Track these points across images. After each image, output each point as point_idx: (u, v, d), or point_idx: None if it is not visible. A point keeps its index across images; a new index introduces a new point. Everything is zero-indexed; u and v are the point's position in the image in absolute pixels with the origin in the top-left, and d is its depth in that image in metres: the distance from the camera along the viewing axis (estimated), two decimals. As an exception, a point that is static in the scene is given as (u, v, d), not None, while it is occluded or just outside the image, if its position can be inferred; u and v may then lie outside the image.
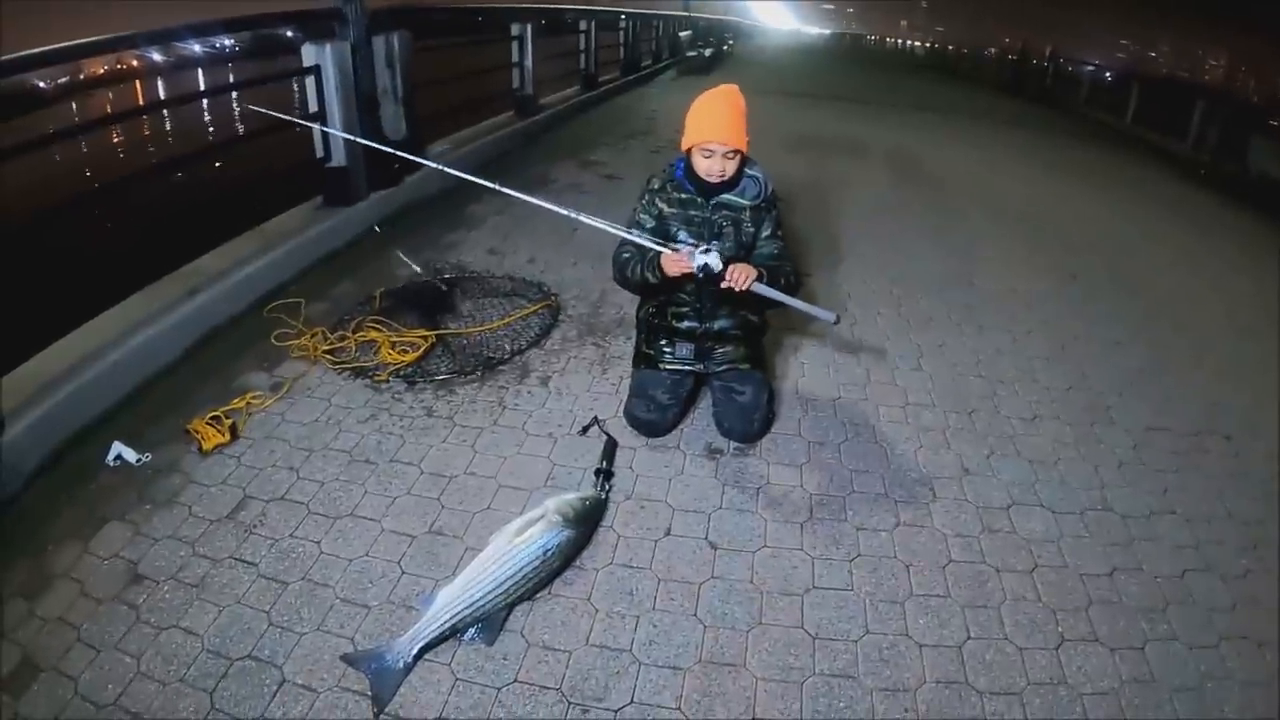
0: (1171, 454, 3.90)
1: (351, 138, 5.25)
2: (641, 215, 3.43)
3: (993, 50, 38.96)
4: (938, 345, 4.78)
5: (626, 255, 3.38)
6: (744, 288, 3.04)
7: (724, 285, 3.07)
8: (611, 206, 3.73)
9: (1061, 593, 2.94)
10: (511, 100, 10.30)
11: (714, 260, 3.04)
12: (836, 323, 3.24)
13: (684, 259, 3.07)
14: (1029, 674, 2.60)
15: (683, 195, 3.39)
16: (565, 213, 3.36)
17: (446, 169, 3.99)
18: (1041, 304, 5.61)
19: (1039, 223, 7.93)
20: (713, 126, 3.25)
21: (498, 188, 3.62)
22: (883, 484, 3.46)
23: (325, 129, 5.69)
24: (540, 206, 3.49)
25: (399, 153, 4.27)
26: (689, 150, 3.35)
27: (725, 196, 3.37)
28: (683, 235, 3.35)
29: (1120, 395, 4.40)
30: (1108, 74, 25.35)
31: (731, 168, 3.30)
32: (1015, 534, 3.23)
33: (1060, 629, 2.78)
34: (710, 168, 3.28)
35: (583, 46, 13.45)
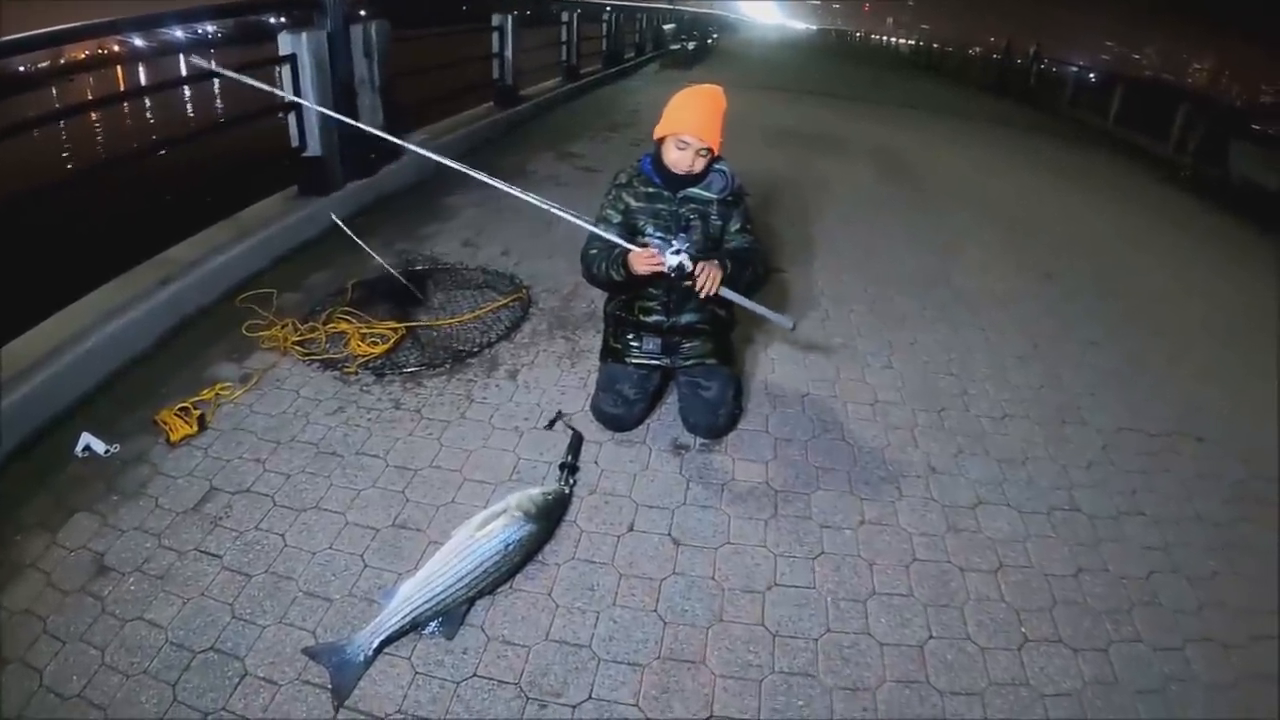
0: (1142, 455, 3.91)
1: (350, 121, 5.21)
2: (608, 210, 3.42)
3: (977, 49, 39.06)
4: (910, 343, 4.79)
5: (594, 252, 3.37)
6: (713, 291, 3.09)
7: (697, 290, 3.11)
8: (588, 199, 3.73)
9: (1026, 593, 2.95)
10: (492, 91, 10.28)
11: (687, 261, 3.08)
12: (793, 329, 3.29)
13: (654, 255, 3.08)
14: (990, 674, 2.60)
15: (649, 189, 3.39)
16: (541, 203, 3.37)
17: (429, 153, 3.93)
18: (1018, 303, 5.63)
19: (1020, 222, 7.97)
20: (692, 120, 3.26)
21: (480, 175, 3.58)
22: (848, 482, 3.46)
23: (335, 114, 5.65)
24: (517, 197, 3.48)
25: (384, 135, 4.23)
26: (662, 139, 3.35)
27: (692, 190, 3.36)
28: (650, 229, 3.34)
29: (1093, 395, 4.41)
30: (1092, 75, 25.44)
31: (700, 165, 3.31)
32: (981, 533, 3.23)
33: (1024, 629, 2.79)
34: (680, 160, 3.28)
35: (565, 38, 13.45)
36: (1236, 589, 3.11)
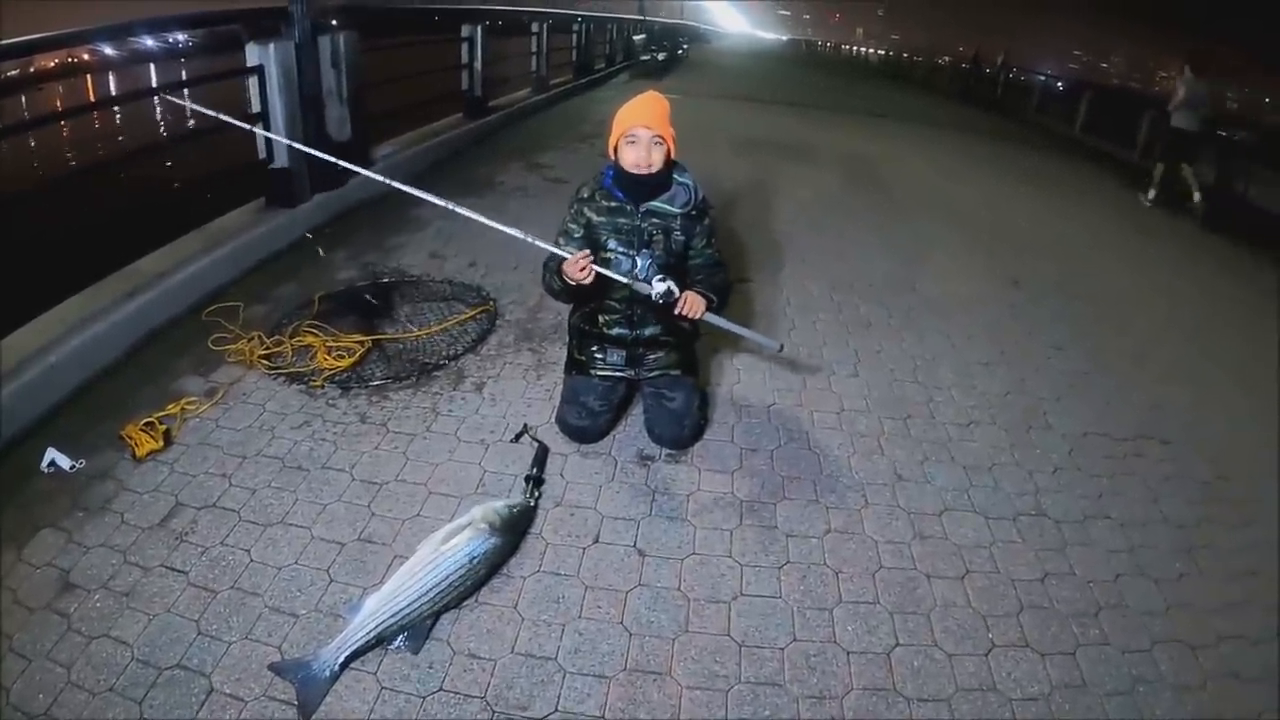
0: (1108, 459, 3.95)
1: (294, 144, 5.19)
2: (570, 225, 3.42)
3: (946, 58, 39.40)
4: (875, 351, 4.81)
5: (549, 263, 3.38)
6: (699, 315, 3.17)
7: (677, 312, 3.19)
8: (556, 210, 3.72)
9: (992, 598, 2.97)
10: (461, 102, 10.27)
11: (675, 288, 3.16)
12: (780, 351, 3.32)
13: (576, 261, 3.10)
14: (958, 680, 2.61)
15: (611, 203, 3.37)
16: (489, 223, 3.42)
17: (376, 176, 3.94)
18: (983, 309, 5.67)
19: (986, 228, 8.05)
20: (635, 114, 3.28)
21: (445, 203, 3.60)
22: (814, 490, 3.47)
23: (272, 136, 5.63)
24: (480, 218, 3.50)
25: (339, 161, 4.21)
26: (616, 151, 3.35)
27: (654, 204, 3.36)
28: (612, 244, 3.35)
29: (1059, 400, 4.45)
30: (1059, 83, 25.66)
31: (659, 157, 3.28)
32: (947, 540, 3.25)
33: (991, 635, 2.80)
34: (637, 156, 3.26)
35: (535, 49, 13.44)
36: (1203, 590, 3.15)
